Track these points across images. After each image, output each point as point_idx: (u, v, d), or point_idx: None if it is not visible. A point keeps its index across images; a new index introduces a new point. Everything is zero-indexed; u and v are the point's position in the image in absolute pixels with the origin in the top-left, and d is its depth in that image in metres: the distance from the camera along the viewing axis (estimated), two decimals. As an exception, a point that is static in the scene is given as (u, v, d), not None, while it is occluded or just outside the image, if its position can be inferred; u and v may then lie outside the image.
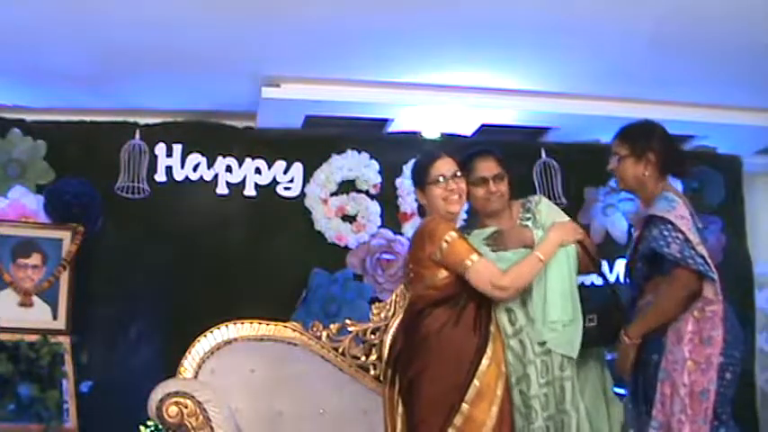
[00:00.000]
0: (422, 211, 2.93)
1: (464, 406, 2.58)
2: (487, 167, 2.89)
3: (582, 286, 2.83)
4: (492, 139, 4.25)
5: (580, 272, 2.83)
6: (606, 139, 4.42)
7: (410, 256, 2.83)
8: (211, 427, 2.87)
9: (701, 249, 2.62)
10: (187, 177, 4.14)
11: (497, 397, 2.63)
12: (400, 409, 2.71)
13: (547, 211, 2.89)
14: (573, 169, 4.35)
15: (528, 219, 2.88)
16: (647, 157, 2.80)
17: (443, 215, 2.79)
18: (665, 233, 2.63)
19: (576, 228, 2.82)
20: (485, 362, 2.63)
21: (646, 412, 2.66)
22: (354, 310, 3.97)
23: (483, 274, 2.63)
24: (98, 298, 3.97)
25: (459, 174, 2.80)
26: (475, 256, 2.63)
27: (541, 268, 2.69)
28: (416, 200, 2.95)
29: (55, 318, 3.82)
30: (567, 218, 2.91)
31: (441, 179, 2.77)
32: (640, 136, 2.85)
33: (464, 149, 2.99)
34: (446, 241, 2.65)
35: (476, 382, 2.60)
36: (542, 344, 2.71)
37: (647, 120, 2.93)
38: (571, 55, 3.43)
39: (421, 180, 2.82)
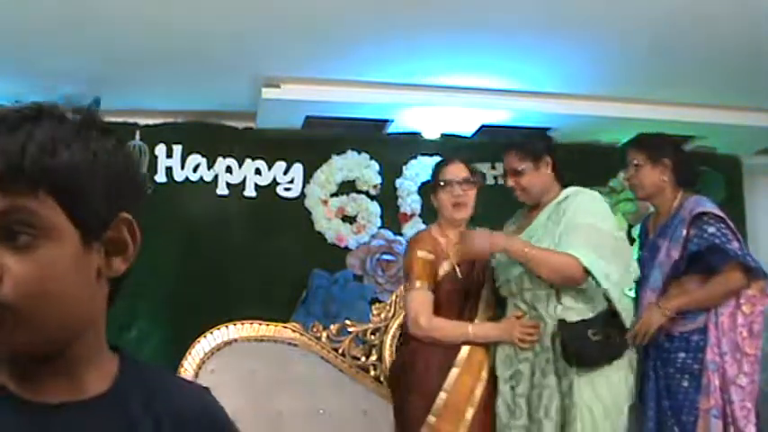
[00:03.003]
0: (425, 213, 3.00)
1: (431, 418, 2.61)
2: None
3: None
4: (492, 140, 4.26)
5: None
6: (606, 139, 4.46)
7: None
8: (211, 428, 2.88)
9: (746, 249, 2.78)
10: (187, 178, 4.14)
11: (473, 402, 2.65)
12: None
13: (573, 210, 2.75)
14: (573, 169, 4.33)
15: (552, 218, 2.80)
16: (663, 162, 2.90)
17: (449, 220, 2.84)
18: (724, 230, 2.74)
19: (519, 330, 2.71)
20: (454, 371, 2.66)
21: (669, 408, 2.75)
22: (354, 310, 3.96)
23: (414, 303, 2.76)
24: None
25: (468, 180, 2.84)
26: (420, 284, 2.75)
27: (461, 339, 2.73)
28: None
29: (55, 318, 3.82)
30: (597, 218, 2.75)
31: (447, 184, 2.81)
32: (654, 143, 2.97)
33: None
34: (416, 254, 2.79)
35: (442, 394, 2.62)
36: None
37: (659, 132, 3.09)
38: (571, 55, 3.43)
39: (433, 184, 2.91)
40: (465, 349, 2.73)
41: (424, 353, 2.72)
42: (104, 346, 0.87)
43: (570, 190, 2.83)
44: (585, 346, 2.58)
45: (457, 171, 2.87)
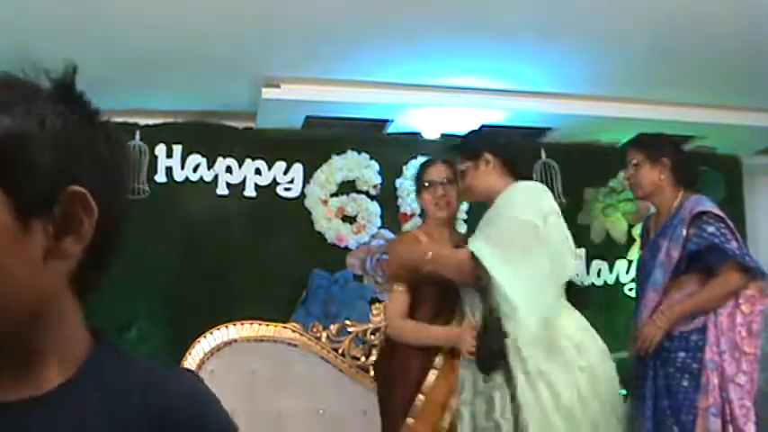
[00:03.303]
0: (425, 213, 3.04)
1: (409, 420, 2.61)
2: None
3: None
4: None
5: None
6: (606, 139, 4.46)
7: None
8: (211, 428, 2.88)
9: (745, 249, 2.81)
10: (187, 178, 4.14)
11: (450, 409, 2.64)
12: None
13: (502, 203, 2.64)
14: (573, 169, 4.35)
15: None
16: (661, 161, 2.94)
17: (434, 220, 2.88)
18: (723, 230, 2.76)
19: (468, 342, 2.60)
20: (431, 375, 2.66)
21: (668, 407, 2.75)
22: (354, 310, 3.97)
23: (393, 305, 2.84)
24: (98, 298, 3.96)
25: (451, 180, 2.86)
26: (398, 286, 2.83)
27: (423, 341, 2.73)
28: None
29: (55, 318, 3.82)
30: (516, 210, 2.59)
31: (431, 185, 2.85)
32: (654, 143, 3.01)
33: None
34: (397, 259, 2.85)
35: (420, 396, 2.63)
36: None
37: (659, 132, 3.13)
38: (571, 55, 3.43)
39: (416, 185, 2.97)
40: (442, 353, 2.72)
41: (404, 355, 2.73)
42: (71, 335, 0.79)
43: (514, 184, 2.69)
44: (482, 350, 2.50)
45: (439, 172, 2.92)
